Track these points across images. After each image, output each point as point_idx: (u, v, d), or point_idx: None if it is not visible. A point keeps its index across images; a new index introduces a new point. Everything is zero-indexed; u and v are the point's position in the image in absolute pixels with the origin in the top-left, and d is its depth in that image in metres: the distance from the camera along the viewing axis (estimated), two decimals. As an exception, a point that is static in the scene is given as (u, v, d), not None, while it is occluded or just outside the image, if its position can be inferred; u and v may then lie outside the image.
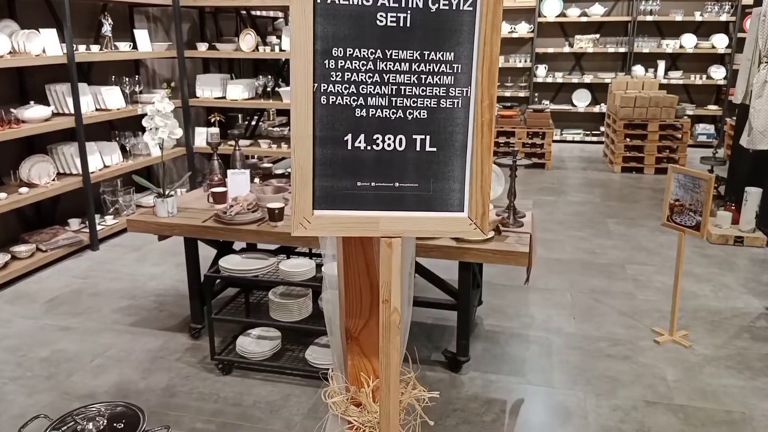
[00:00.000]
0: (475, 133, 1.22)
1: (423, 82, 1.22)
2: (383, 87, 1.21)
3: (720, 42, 8.54)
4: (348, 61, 1.20)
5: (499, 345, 3.20)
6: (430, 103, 1.23)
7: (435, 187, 1.25)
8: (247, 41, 5.75)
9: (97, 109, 4.77)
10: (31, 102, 4.22)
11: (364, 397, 1.37)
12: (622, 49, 8.84)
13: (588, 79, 9.03)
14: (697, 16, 8.50)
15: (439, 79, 1.22)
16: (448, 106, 1.23)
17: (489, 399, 2.73)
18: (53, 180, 4.36)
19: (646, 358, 3.08)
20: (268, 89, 5.91)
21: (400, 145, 1.23)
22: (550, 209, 5.65)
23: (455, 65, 1.22)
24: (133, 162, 5.07)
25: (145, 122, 3.00)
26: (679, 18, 8.55)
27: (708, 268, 4.24)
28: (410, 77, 1.21)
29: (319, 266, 2.81)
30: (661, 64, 8.72)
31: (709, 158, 5.51)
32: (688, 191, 3.06)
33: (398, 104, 1.22)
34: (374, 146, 1.23)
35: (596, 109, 9.11)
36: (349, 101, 1.21)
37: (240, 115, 6.82)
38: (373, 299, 1.33)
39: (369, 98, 1.21)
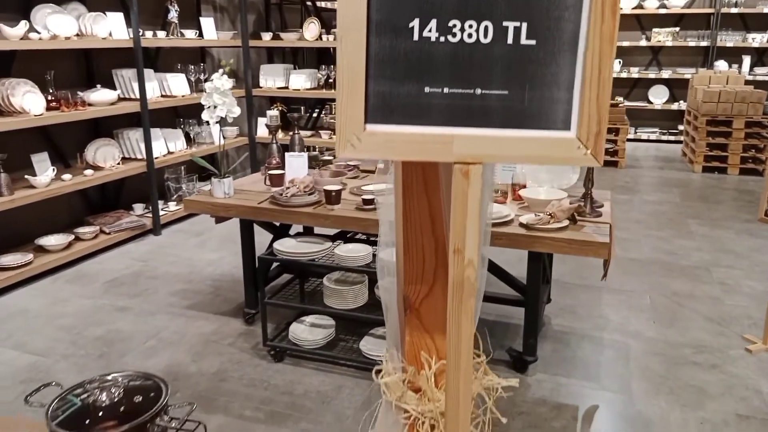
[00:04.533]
0: (593, 18, 0.83)
1: None
2: None
3: (815, 35, 7.89)
4: None
5: (570, 347, 2.95)
6: None
7: (531, 96, 0.88)
8: (311, 29, 5.67)
9: (162, 96, 4.78)
10: (98, 85, 4.25)
11: (424, 381, 1.13)
12: (703, 43, 8.28)
13: (666, 74, 8.52)
14: (790, 8, 7.88)
15: None
16: None
17: (559, 404, 2.49)
18: (118, 164, 4.39)
19: (736, 368, 2.75)
20: (331, 80, 5.81)
21: (485, 36, 0.86)
22: (625, 208, 5.29)
23: None
24: (197, 149, 5.06)
25: (203, 100, 2.92)
26: (767, 10, 7.93)
27: (805, 273, 3.82)
28: None
29: (375, 257, 2.64)
30: (746, 59, 8.11)
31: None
32: (793, 182, 2.72)
33: None
34: (449, 36, 0.87)
35: (674, 106, 8.58)
36: None
37: (302, 108, 6.77)
38: (438, 262, 1.06)
39: None
